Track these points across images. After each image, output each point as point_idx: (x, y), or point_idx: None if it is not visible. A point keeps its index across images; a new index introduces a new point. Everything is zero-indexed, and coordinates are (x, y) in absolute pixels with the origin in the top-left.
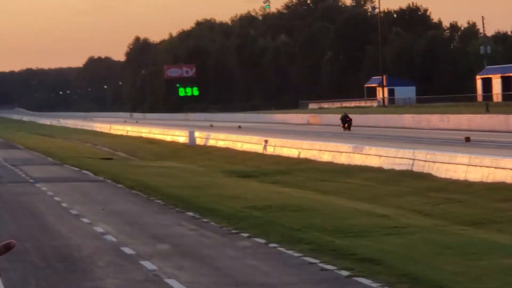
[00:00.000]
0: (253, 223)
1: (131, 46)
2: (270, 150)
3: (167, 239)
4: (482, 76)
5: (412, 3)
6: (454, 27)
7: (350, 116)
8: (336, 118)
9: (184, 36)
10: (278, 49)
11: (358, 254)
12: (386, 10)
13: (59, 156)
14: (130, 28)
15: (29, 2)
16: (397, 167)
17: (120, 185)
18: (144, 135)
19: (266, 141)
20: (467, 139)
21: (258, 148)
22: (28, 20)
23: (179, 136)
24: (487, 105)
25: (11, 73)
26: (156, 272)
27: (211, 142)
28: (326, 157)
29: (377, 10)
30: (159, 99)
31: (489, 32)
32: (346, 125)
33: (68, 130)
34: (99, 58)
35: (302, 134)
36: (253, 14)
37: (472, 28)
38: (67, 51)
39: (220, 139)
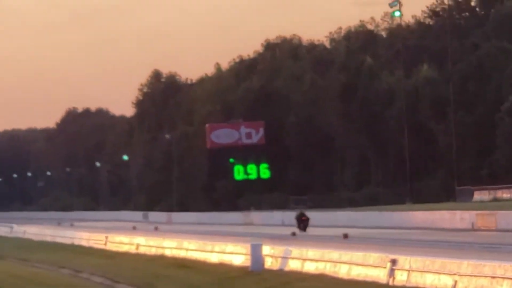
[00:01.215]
0: None
1: (145, 88)
2: (400, 278)
3: None
4: None
5: None
6: None
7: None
8: None
9: (243, 69)
10: (417, 92)
11: None
12: None
13: None
14: (141, 59)
15: None
16: None
17: None
18: (168, 252)
19: (393, 262)
20: None
21: (378, 274)
22: None
23: (233, 253)
24: None
25: None
26: None
27: (293, 265)
28: None
29: None
30: (195, 186)
31: None
32: (302, 225)
33: (29, 245)
34: (85, 112)
35: (459, 248)
36: (369, 26)
37: None
38: (26, 101)
39: (309, 259)
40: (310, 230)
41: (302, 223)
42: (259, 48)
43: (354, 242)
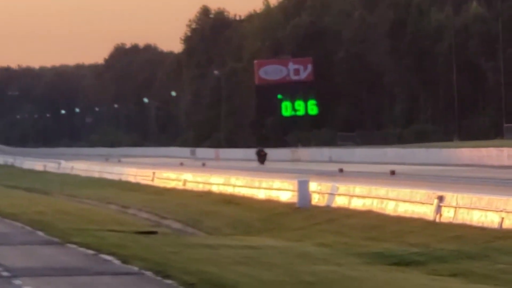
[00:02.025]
0: None
1: (193, 24)
2: (447, 215)
3: None
4: None
5: None
6: None
7: None
8: None
9: (292, 5)
10: (466, 29)
11: None
12: None
13: (58, 228)
14: None
15: None
16: None
17: (169, 282)
18: (215, 188)
19: (440, 198)
20: None
21: (425, 211)
22: None
23: (281, 190)
24: None
25: None
26: None
27: (340, 201)
28: None
29: None
30: (243, 122)
31: None
32: (261, 159)
33: (77, 181)
34: (133, 48)
35: (506, 185)
36: None
37: None
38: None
39: (356, 195)
40: (357, 167)
41: (261, 157)
42: None
43: (401, 179)
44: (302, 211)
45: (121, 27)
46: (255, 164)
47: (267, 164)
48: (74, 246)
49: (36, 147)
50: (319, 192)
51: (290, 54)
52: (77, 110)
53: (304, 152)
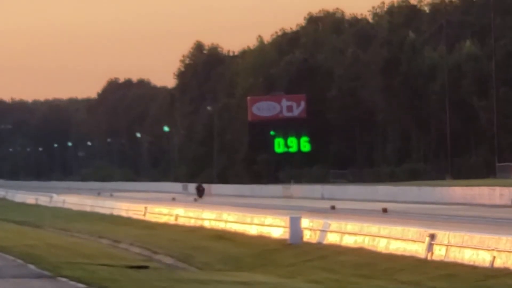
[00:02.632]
0: None
1: (187, 59)
2: (439, 253)
3: None
4: None
5: None
6: None
7: None
8: None
9: (285, 42)
10: (459, 68)
11: None
12: None
13: (49, 261)
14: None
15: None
16: None
17: None
18: (207, 223)
19: (432, 237)
20: None
21: (417, 249)
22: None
23: (272, 226)
24: None
25: None
26: None
27: (332, 238)
28: None
29: None
30: (236, 158)
31: None
32: (199, 193)
33: (68, 214)
34: (127, 83)
35: (498, 224)
36: (412, 1)
37: None
38: (67, 71)
39: (347, 232)
40: (349, 204)
41: (199, 192)
42: (302, 22)
43: (393, 217)
44: (293, 248)
45: (115, 61)
46: (247, 200)
47: (205, 198)
48: (65, 279)
49: (28, 180)
50: (311, 228)
51: (283, 91)
52: (70, 144)
53: (296, 189)
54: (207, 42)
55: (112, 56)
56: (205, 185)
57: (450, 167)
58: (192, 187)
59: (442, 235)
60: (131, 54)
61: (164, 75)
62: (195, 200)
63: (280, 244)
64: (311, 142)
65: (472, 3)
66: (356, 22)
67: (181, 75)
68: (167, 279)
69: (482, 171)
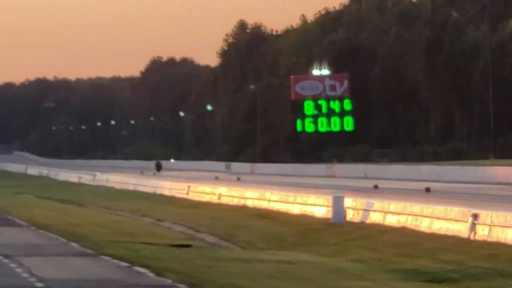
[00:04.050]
0: None
1: (230, 39)
2: (481, 233)
3: None
4: None
5: None
6: None
7: None
8: None
9: (328, 21)
10: (502, 47)
11: None
12: None
13: (92, 239)
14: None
15: None
16: None
17: None
18: (250, 202)
19: (474, 216)
20: None
21: (459, 228)
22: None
23: (315, 205)
24: None
25: (8, 86)
26: None
27: (374, 217)
28: None
29: None
30: (278, 137)
31: None
32: (157, 168)
33: (111, 193)
34: (170, 62)
35: None
36: None
37: None
38: (111, 50)
39: (390, 212)
40: (392, 183)
41: (158, 167)
42: (345, 1)
43: (436, 196)
44: (336, 227)
45: (158, 40)
46: (290, 179)
47: (162, 172)
48: (107, 258)
49: (71, 159)
50: (354, 208)
51: (327, 69)
52: (113, 122)
53: (339, 168)
54: (251, 21)
55: (156, 35)
56: (248, 164)
57: (494, 147)
58: (236, 166)
59: (485, 214)
60: (175, 33)
61: (207, 54)
62: (154, 174)
63: (322, 224)
64: (354, 121)
65: None
66: (399, 2)
67: (224, 54)
68: (210, 258)
69: None
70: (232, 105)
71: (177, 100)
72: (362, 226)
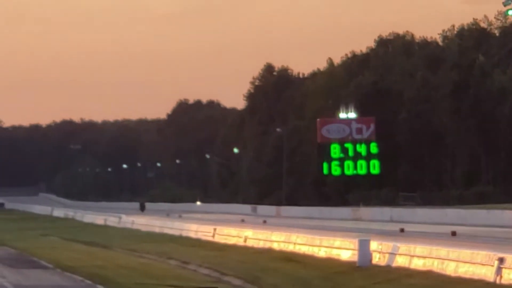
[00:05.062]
0: None
1: (257, 81)
2: (508, 277)
3: None
4: None
5: None
6: None
7: None
8: None
9: (355, 64)
10: None
11: None
12: None
13: (117, 282)
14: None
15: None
16: None
17: None
18: (276, 245)
19: (500, 260)
20: None
21: (485, 272)
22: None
23: (341, 248)
24: None
25: (35, 128)
26: None
27: (400, 261)
28: None
29: None
30: (304, 179)
31: None
32: (142, 208)
33: (137, 235)
34: (196, 104)
35: None
36: (482, 25)
37: None
38: (137, 92)
39: (416, 255)
40: (418, 227)
41: (142, 207)
42: (372, 44)
43: (462, 240)
44: (362, 270)
45: (185, 83)
46: (315, 222)
47: (146, 212)
48: None
49: (97, 201)
50: (380, 251)
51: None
52: (139, 164)
53: (365, 211)
54: (277, 64)
55: (182, 77)
56: (274, 207)
57: None
58: (262, 209)
59: (511, 259)
60: (201, 76)
61: (234, 97)
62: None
63: (348, 267)
64: (380, 164)
65: None
66: (426, 45)
67: (250, 97)
68: None
69: None
70: (259, 147)
71: (204, 143)
72: (388, 270)
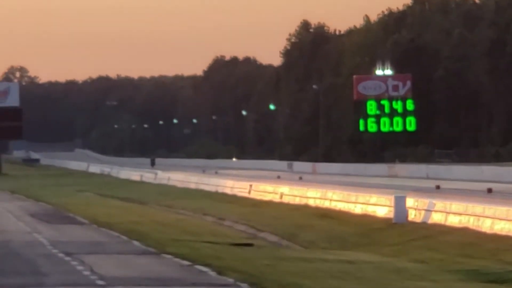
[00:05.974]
0: None
1: (293, 38)
2: None
3: None
4: None
5: None
6: None
7: None
8: None
9: (392, 22)
10: None
11: None
12: None
13: (153, 238)
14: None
15: None
16: None
17: None
18: (312, 202)
19: None
20: None
21: None
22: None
23: (377, 205)
24: None
25: (71, 84)
26: None
27: (436, 218)
28: None
29: None
30: (340, 136)
31: None
32: (152, 163)
33: (172, 191)
34: (232, 61)
35: None
36: None
37: None
38: (174, 48)
39: (452, 212)
40: (454, 184)
41: (152, 162)
42: (409, 1)
43: (498, 197)
44: (398, 227)
45: (221, 39)
46: (351, 179)
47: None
48: (169, 256)
49: (133, 157)
50: (416, 208)
51: (390, 69)
52: (175, 121)
53: (401, 168)
54: (314, 21)
55: (219, 34)
56: (310, 164)
57: None
58: (297, 165)
59: None
60: (238, 32)
61: (270, 53)
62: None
63: (384, 223)
64: (416, 121)
65: None
66: (463, 3)
67: (287, 54)
68: (272, 257)
69: None
70: (295, 104)
71: (240, 99)
72: (423, 227)
